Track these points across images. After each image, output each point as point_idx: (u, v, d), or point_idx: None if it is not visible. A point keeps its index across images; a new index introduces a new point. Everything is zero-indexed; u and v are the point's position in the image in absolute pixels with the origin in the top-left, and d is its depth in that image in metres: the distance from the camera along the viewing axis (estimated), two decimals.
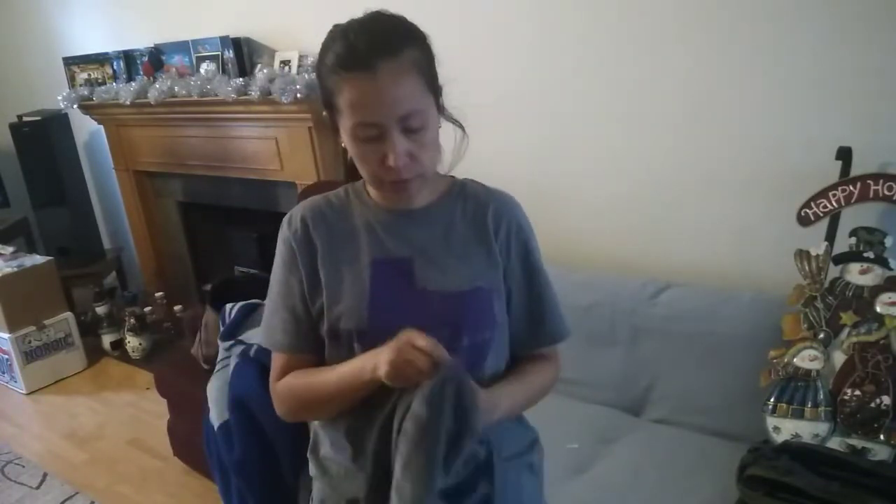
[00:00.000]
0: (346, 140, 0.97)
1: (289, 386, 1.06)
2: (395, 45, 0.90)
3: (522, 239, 1.07)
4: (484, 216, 1.06)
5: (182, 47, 3.09)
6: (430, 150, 0.97)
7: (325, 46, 0.94)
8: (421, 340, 0.90)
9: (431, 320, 0.98)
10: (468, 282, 1.02)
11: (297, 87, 2.52)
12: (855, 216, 1.62)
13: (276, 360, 1.09)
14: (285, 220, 1.08)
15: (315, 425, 1.14)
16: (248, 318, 2.08)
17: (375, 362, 0.93)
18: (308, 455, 1.16)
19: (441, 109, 1.01)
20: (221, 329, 2.11)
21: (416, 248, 1.03)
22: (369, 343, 0.99)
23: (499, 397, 1.01)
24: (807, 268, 1.62)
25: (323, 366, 1.05)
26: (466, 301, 1.02)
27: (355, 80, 0.90)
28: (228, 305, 2.14)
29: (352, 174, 1.07)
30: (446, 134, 1.06)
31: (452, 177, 1.12)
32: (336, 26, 0.95)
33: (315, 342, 1.05)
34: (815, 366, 1.58)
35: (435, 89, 0.97)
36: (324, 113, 1.01)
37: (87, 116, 3.66)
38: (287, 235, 1.06)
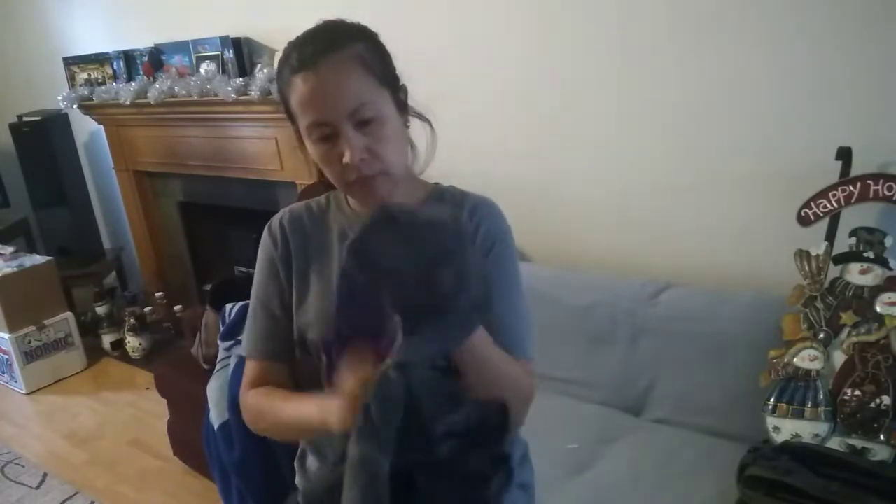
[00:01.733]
0: (307, 145, 0.97)
1: (256, 403, 1.03)
2: (335, 42, 0.91)
3: (488, 244, 1.01)
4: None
5: (182, 47, 3.08)
6: (390, 146, 0.94)
7: (281, 61, 0.95)
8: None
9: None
10: None
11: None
12: (855, 216, 1.62)
13: (249, 369, 1.06)
14: (267, 225, 1.07)
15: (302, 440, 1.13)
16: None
17: (325, 415, 0.87)
18: (295, 464, 1.15)
19: (402, 106, 0.99)
20: (221, 329, 2.11)
21: None
22: (335, 353, 0.97)
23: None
24: (807, 268, 1.62)
25: (293, 377, 1.04)
26: None
27: (300, 80, 0.90)
28: (228, 305, 2.14)
29: (323, 178, 1.06)
30: (418, 132, 1.04)
31: (436, 184, 1.08)
32: (289, 42, 0.96)
33: (291, 350, 1.03)
34: (815, 366, 1.58)
35: (389, 84, 0.96)
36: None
37: (87, 116, 3.66)
38: (267, 241, 1.06)
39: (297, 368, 1.05)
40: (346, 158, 0.90)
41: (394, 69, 0.98)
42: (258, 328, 1.06)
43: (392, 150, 0.95)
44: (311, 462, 1.10)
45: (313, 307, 1.01)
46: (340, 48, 0.90)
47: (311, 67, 0.89)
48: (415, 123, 1.03)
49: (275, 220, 1.07)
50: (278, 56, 3.16)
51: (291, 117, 0.97)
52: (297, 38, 0.95)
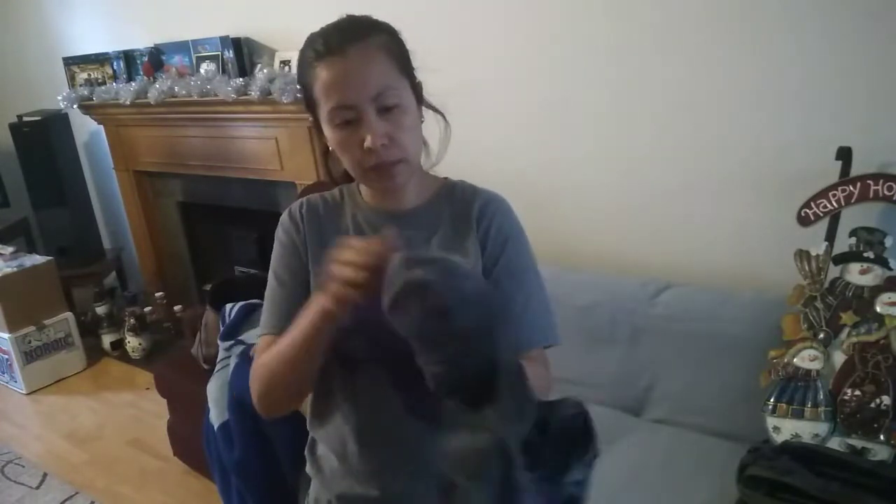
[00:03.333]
0: (326, 132, 0.99)
1: (261, 361, 1.02)
2: (363, 31, 0.95)
3: (502, 239, 1.04)
4: (469, 212, 1.05)
5: (182, 47, 3.09)
6: (409, 134, 0.97)
7: (303, 50, 0.98)
8: (349, 252, 0.84)
9: None
10: None
11: (298, 86, 2.53)
12: (855, 216, 1.62)
13: (262, 344, 1.05)
14: (286, 211, 1.10)
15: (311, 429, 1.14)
16: (248, 318, 2.08)
17: (317, 304, 0.89)
18: (306, 453, 1.16)
19: (420, 99, 1.02)
20: (221, 329, 2.11)
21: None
22: (352, 341, 0.98)
23: None
24: (807, 268, 1.62)
25: None
26: None
27: (327, 65, 0.93)
28: (228, 305, 2.15)
29: (331, 174, 1.11)
30: (430, 128, 1.05)
31: (446, 178, 1.11)
32: (312, 32, 0.99)
33: None
34: (815, 366, 1.58)
35: (409, 75, 0.99)
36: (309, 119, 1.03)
37: (87, 116, 3.66)
38: (287, 225, 1.08)
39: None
40: (368, 143, 0.93)
41: (412, 64, 1.01)
42: (278, 304, 1.05)
43: (411, 139, 0.98)
44: (322, 451, 1.10)
45: None
46: (367, 36, 0.94)
47: (339, 53, 0.92)
48: (426, 119, 1.05)
49: (294, 206, 1.10)
50: (279, 56, 3.14)
51: (312, 106, 0.99)
52: (322, 28, 0.97)
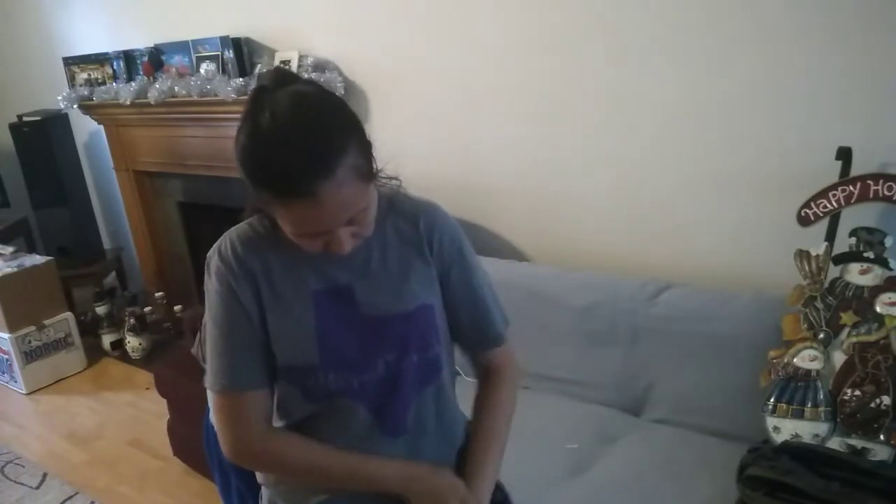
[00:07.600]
0: (282, 226, 0.93)
1: (285, 456, 1.03)
2: (330, 162, 0.83)
3: (456, 246, 1.08)
4: (416, 231, 1.05)
5: (182, 47, 3.08)
6: (370, 224, 0.95)
7: (249, 153, 0.88)
8: None
9: (380, 344, 1.00)
10: (412, 301, 1.02)
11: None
12: (855, 216, 1.62)
13: (235, 405, 1.02)
14: (212, 254, 1.03)
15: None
16: None
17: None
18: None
19: (375, 178, 0.95)
20: None
21: (356, 273, 1.01)
22: (322, 376, 0.98)
23: (482, 486, 1.05)
24: (807, 268, 1.62)
25: (273, 397, 1.04)
26: (412, 320, 1.02)
27: (295, 206, 0.86)
28: None
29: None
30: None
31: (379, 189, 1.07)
32: (255, 124, 0.86)
33: (269, 374, 1.02)
34: (815, 366, 1.58)
35: (371, 175, 0.92)
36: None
37: (87, 116, 3.66)
38: (221, 269, 1.00)
39: (282, 393, 1.04)
40: (335, 250, 0.92)
41: (372, 160, 0.92)
42: (227, 357, 1.02)
43: (371, 226, 0.96)
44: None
45: (293, 333, 0.99)
46: (336, 167, 0.84)
47: (309, 196, 0.83)
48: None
49: (224, 246, 1.02)
50: (279, 55, 3.12)
51: (258, 194, 0.91)
52: (271, 136, 0.85)
